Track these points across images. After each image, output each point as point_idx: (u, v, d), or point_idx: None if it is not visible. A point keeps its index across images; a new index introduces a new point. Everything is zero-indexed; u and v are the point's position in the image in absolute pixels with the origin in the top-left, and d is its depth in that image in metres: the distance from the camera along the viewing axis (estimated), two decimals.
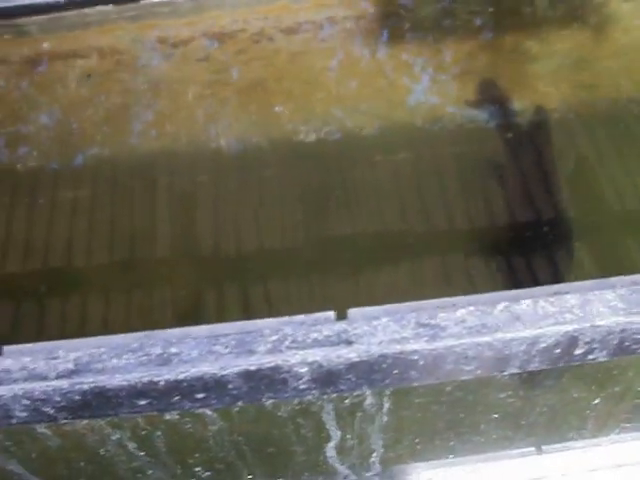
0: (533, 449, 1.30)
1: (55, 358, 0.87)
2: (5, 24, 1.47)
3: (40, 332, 1.22)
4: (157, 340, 0.87)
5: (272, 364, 0.83)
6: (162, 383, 0.85)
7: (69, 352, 0.87)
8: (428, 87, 1.33)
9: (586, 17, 1.47)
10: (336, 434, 1.04)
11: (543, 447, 1.28)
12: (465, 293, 0.87)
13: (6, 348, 0.93)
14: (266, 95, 1.32)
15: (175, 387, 0.86)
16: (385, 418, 1.01)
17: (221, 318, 1.17)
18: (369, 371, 0.86)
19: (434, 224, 1.24)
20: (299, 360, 0.83)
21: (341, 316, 0.87)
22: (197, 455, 1.08)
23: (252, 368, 0.83)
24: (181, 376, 0.84)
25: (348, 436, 1.05)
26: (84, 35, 1.45)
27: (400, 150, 1.32)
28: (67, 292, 1.28)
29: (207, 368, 0.83)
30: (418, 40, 1.38)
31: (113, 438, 1.01)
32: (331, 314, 0.88)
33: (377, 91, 1.32)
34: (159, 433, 1.00)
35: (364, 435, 1.06)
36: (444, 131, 1.32)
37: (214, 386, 0.86)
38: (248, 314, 1.17)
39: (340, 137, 1.32)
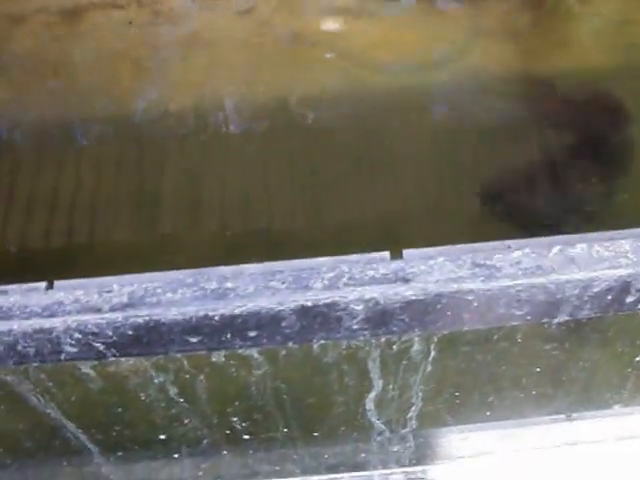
0: (563, 416, 1.33)
1: (109, 292, 0.88)
2: None
3: None
4: (212, 275, 0.88)
5: (329, 300, 0.84)
6: (217, 318, 0.86)
7: (123, 286, 0.89)
8: (465, 46, 1.36)
9: None
10: (378, 384, 1.06)
11: (574, 415, 1.31)
12: None
13: (57, 283, 0.95)
14: (305, 49, 1.35)
15: (229, 323, 0.87)
16: (429, 367, 1.02)
17: None
18: (423, 312, 0.87)
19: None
20: (356, 297, 0.84)
21: (396, 256, 0.89)
22: (237, 403, 1.09)
23: (309, 304, 0.85)
24: (237, 311, 0.85)
25: (390, 386, 1.06)
26: None
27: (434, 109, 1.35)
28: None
29: (264, 303, 0.85)
30: None
31: (156, 382, 1.03)
32: (386, 254, 0.90)
33: (412, 50, 1.35)
34: (202, 377, 1.01)
35: (406, 386, 1.07)
36: (480, 91, 1.34)
37: (268, 323, 0.87)
38: None
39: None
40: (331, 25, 1.38)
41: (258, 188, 1.28)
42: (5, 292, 0.95)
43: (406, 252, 0.89)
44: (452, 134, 1.29)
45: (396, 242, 1.06)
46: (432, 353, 1.00)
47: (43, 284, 0.96)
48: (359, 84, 1.35)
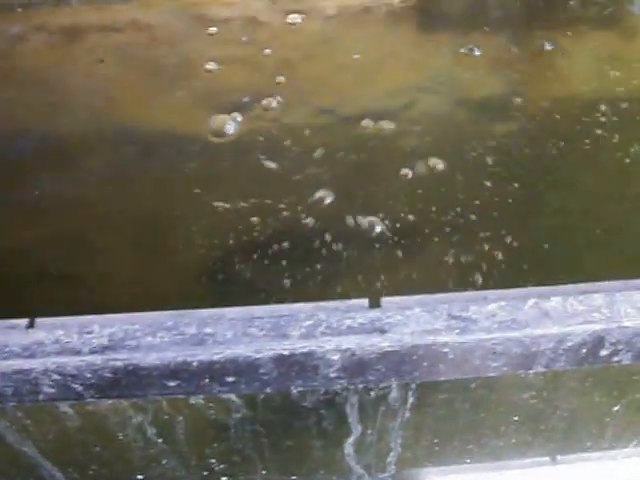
0: (548, 459, 1.36)
1: (89, 333, 0.92)
2: None
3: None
4: (192, 319, 0.91)
5: (306, 349, 0.88)
6: (195, 364, 0.89)
7: (103, 327, 0.92)
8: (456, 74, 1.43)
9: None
10: (357, 429, 1.09)
11: (558, 457, 1.34)
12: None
13: (39, 320, 0.97)
14: (294, 78, 1.40)
15: (207, 369, 0.90)
16: (407, 414, 1.05)
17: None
18: (399, 362, 0.91)
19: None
20: (333, 347, 0.88)
21: (374, 304, 0.93)
22: (215, 445, 1.12)
23: (285, 353, 0.88)
24: (215, 357, 0.89)
25: (369, 431, 1.09)
26: (122, 8, 1.54)
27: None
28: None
29: (241, 350, 0.88)
30: (449, 30, 1.48)
31: (134, 421, 1.05)
32: (365, 302, 0.93)
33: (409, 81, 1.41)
34: (181, 419, 1.04)
35: (384, 432, 1.10)
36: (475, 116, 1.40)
37: (246, 369, 0.90)
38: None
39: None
40: None
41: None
42: None
43: (385, 300, 0.93)
44: None
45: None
46: (410, 400, 1.03)
47: (24, 321, 0.99)
48: None
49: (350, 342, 0.89)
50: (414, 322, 0.90)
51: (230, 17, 1.51)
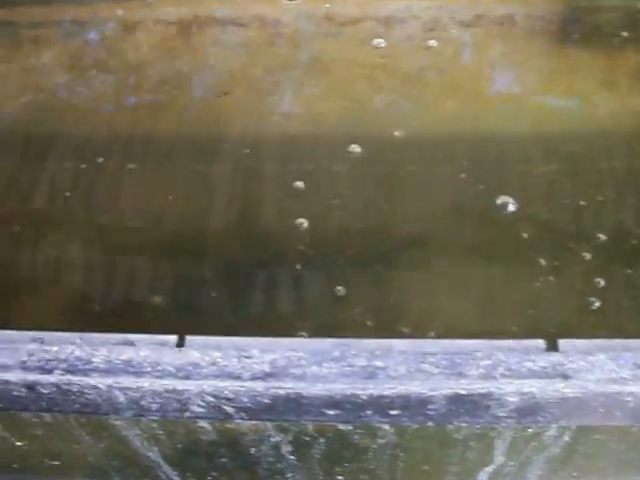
0: None
1: (249, 357, 0.91)
2: None
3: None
4: (359, 350, 0.90)
5: (484, 390, 0.86)
6: (364, 397, 0.88)
7: (264, 352, 0.90)
8: (594, 96, 1.35)
9: None
10: (499, 459, 1.08)
11: None
12: None
13: (189, 338, 0.96)
14: (424, 87, 1.34)
15: (374, 402, 0.89)
16: (557, 450, 1.04)
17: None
18: (576, 407, 0.88)
19: None
20: (513, 389, 0.86)
21: (551, 346, 0.90)
22: (347, 465, 1.11)
23: (463, 392, 0.86)
24: (386, 392, 0.87)
25: (510, 463, 1.08)
26: (247, 3, 1.47)
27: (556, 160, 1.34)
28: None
29: (416, 387, 0.87)
30: (593, 46, 1.40)
31: (272, 440, 1.05)
32: (540, 342, 0.91)
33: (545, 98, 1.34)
34: (322, 440, 1.03)
35: (526, 463, 1.09)
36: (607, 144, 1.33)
37: (414, 405, 0.89)
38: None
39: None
40: None
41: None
42: (132, 343, 0.98)
43: (562, 343, 0.91)
44: None
45: None
46: (565, 438, 1.01)
47: (173, 338, 0.97)
48: None
49: (531, 386, 0.87)
50: (599, 369, 0.87)
51: (362, 17, 1.45)
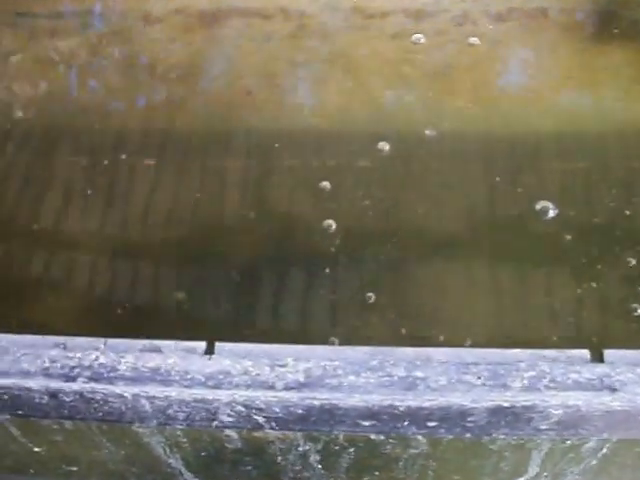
0: None
1: (282, 366, 0.87)
2: None
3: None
4: (397, 360, 0.87)
5: (529, 403, 0.83)
6: (402, 408, 0.85)
7: (298, 361, 0.87)
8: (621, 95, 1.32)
9: None
10: (533, 470, 1.05)
11: None
12: None
13: (218, 345, 0.92)
14: (451, 85, 1.31)
15: (412, 413, 0.86)
16: (594, 462, 1.01)
17: None
18: (622, 420, 0.85)
19: None
20: (558, 402, 0.83)
21: (596, 357, 0.87)
22: (376, 473, 1.09)
23: (506, 404, 0.83)
24: (426, 404, 0.84)
25: (545, 474, 1.06)
26: None
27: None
28: None
29: (457, 399, 0.84)
30: (630, 41, 1.36)
31: (300, 449, 1.02)
32: (584, 353, 0.88)
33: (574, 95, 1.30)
34: (352, 450, 1.01)
35: (560, 475, 1.06)
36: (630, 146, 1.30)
37: (454, 417, 0.86)
38: None
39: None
40: None
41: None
42: (159, 350, 0.95)
43: (607, 353, 0.88)
44: None
45: None
46: (603, 450, 0.99)
47: (202, 345, 0.94)
48: None
49: (577, 399, 0.84)
50: None
51: (392, 10, 1.41)
